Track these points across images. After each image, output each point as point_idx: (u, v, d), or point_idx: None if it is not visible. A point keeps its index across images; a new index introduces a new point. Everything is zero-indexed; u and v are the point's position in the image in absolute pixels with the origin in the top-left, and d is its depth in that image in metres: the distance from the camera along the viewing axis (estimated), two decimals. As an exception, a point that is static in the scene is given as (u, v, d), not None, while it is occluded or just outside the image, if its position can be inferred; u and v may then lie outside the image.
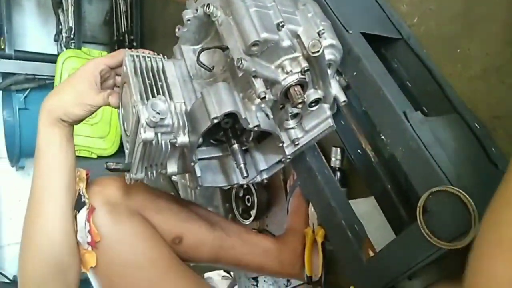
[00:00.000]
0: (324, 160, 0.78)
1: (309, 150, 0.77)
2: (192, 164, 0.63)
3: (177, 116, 0.59)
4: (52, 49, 1.78)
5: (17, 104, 1.58)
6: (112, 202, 0.74)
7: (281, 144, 0.68)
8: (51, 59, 1.62)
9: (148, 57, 0.63)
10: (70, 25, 1.68)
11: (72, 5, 1.66)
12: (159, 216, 0.80)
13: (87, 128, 1.64)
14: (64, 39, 1.75)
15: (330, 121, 0.69)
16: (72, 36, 1.68)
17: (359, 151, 0.90)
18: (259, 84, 0.56)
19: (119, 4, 1.82)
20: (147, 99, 0.58)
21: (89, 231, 0.69)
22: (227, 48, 0.58)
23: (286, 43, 0.57)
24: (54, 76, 1.58)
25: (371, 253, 0.73)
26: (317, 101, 0.66)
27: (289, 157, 0.72)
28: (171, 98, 0.61)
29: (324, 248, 0.97)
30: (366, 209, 0.88)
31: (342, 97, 0.67)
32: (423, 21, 0.81)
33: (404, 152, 0.60)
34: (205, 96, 0.56)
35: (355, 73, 0.66)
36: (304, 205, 1.04)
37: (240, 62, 0.53)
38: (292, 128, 0.70)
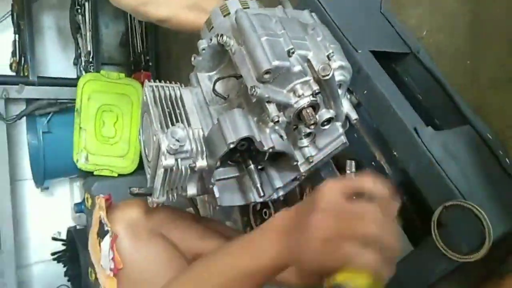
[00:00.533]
0: (339, 175, 0.80)
1: (324, 166, 0.78)
2: (211, 186, 0.66)
3: (196, 142, 0.62)
4: (72, 73, 1.85)
5: (41, 128, 1.64)
6: (134, 225, 0.77)
7: (295, 163, 0.70)
8: (71, 83, 1.68)
9: (166, 86, 0.67)
10: (89, 49, 1.75)
11: (90, 30, 1.73)
12: (180, 235, 0.83)
13: (107, 148, 1.69)
14: (83, 63, 1.81)
15: (343, 138, 0.71)
16: (90, 59, 1.75)
17: (373, 163, 0.92)
18: (272, 109, 0.59)
19: (135, 26, 1.88)
20: (167, 127, 0.61)
21: (112, 258, 0.72)
22: (241, 76, 0.60)
23: (297, 68, 0.59)
24: (74, 99, 1.64)
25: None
26: (329, 120, 0.68)
27: (304, 174, 0.74)
28: (189, 124, 0.64)
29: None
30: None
31: (353, 115, 0.69)
32: (432, 34, 0.83)
33: (416, 168, 0.62)
34: (221, 123, 0.59)
35: (365, 91, 0.68)
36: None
37: (253, 90, 0.56)
38: (306, 146, 0.72)
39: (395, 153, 0.65)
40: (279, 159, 0.76)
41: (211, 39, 0.65)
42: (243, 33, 0.59)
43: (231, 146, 0.58)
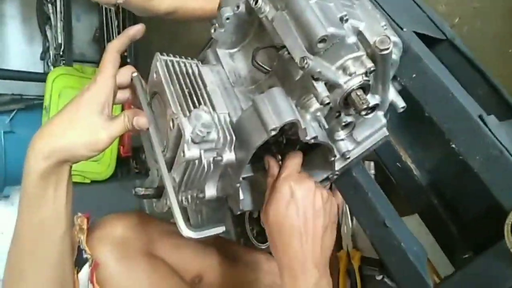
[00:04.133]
0: (371, 174, 0.70)
1: (355, 164, 0.68)
2: (238, 185, 0.54)
3: (223, 129, 0.50)
4: (38, 67, 1.66)
5: (2, 127, 1.44)
6: (121, 246, 0.64)
7: (333, 159, 0.60)
8: (39, 77, 1.50)
9: (182, 61, 0.54)
10: (59, 41, 1.57)
11: (61, 20, 1.55)
12: (176, 254, 0.71)
13: (79, 151, 1.51)
14: (51, 57, 1.63)
15: (386, 130, 0.61)
16: (61, 53, 1.57)
17: (398, 164, 0.83)
18: (321, 88, 0.48)
19: (111, 18, 1.72)
20: (189, 110, 0.48)
21: None
22: (281, 48, 0.49)
23: (351, 39, 0.49)
24: (42, 96, 1.46)
25: (436, 278, 0.65)
26: (373, 108, 0.58)
27: (337, 173, 0.64)
28: (213, 108, 0.51)
29: (361, 273, 0.88)
30: (410, 228, 0.80)
31: (401, 103, 0.59)
32: (466, 21, 0.76)
33: (483, 161, 0.53)
34: (259, 104, 0.48)
35: (414, 75, 0.58)
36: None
37: (304, 61, 0.45)
38: (342, 139, 0.62)
39: (453, 145, 0.55)
40: (308, 154, 0.65)
41: (237, 6, 0.54)
42: (286, -5, 0.48)
43: (273, 133, 0.47)
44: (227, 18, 0.55)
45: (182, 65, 0.54)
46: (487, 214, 0.63)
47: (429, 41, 0.73)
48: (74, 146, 0.53)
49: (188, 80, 0.52)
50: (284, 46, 0.48)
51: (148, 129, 0.53)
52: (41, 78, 1.49)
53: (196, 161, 0.48)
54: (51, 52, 1.63)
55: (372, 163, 0.90)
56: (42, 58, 1.68)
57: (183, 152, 0.46)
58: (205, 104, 0.51)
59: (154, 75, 0.53)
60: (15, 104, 1.43)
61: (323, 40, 0.45)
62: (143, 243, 0.68)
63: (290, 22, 0.47)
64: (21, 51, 1.69)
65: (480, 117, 0.53)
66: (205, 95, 0.52)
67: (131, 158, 1.68)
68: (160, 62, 0.52)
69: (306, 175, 0.58)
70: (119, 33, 1.71)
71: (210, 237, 0.51)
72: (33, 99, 1.48)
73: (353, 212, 0.69)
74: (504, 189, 0.51)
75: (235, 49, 0.60)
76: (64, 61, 1.55)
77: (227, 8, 0.55)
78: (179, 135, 0.48)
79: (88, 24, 1.86)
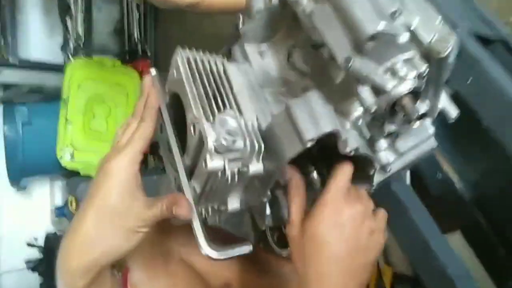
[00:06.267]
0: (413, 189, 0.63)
1: (394, 177, 0.61)
2: (265, 200, 0.48)
3: (250, 136, 0.44)
4: (58, 58, 1.63)
5: (20, 118, 1.42)
6: (144, 250, 0.58)
7: (372, 172, 0.53)
8: (58, 68, 1.47)
9: (206, 58, 0.48)
10: (79, 33, 1.54)
11: (82, 11, 1.52)
12: (206, 260, 0.65)
13: (97, 144, 1.48)
14: (72, 49, 1.60)
15: (434, 141, 0.54)
16: (81, 44, 1.54)
17: (439, 175, 0.75)
18: (366, 93, 0.41)
19: (131, 9, 1.68)
20: (213, 114, 0.43)
21: None
22: (319, 46, 0.43)
23: (403, 37, 0.42)
24: (61, 87, 1.43)
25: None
26: (422, 116, 0.50)
27: (375, 187, 0.57)
28: (240, 112, 0.45)
29: (392, 291, 0.81)
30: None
31: (453, 111, 0.51)
32: (524, 18, 0.67)
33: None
34: (294, 111, 0.41)
35: (470, 79, 0.51)
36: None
37: (349, 62, 0.38)
38: (383, 150, 0.55)
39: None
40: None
41: (270, -3, 0.47)
42: (329, -15, 0.41)
43: (309, 144, 0.40)
44: (258, 11, 0.48)
45: (206, 62, 0.48)
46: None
47: (480, 41, 0.65)
48: (111, 250, 0.46)
49: (212, 80, 0.46)
50: (322, 44, 0.41)
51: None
52: (61, 69, 1.46)
53: (219, 172, 0.43)
54: (72, 43, 1.59)
55: (408, 172, 0.82)
56: (62, 49, 1.65)
57: (205, 162, 0.40)
58: (231, 107, 0.45)
59: (174, 73, 0.48)
60: (33, 95, 1.41)
61: (373, 37, 0.38)
62: (168, 247, 0.64)
63: (333, 16, 0.41)
64: (42, 41, 1.66)
65: (550, 130, 0.46)
66: (231, 97, 0.46)
67: (149, 153, 1.64)
68: (182, 58, 0.46)
69: (357, 194, 0.52)
70: (140, 25, 1.67)
71: (234, 257, 0.45)
72: (52, 90, 1.45)
73: (392, 231, 0.62)
74: None
75: (265, 45, 0.53)
76: (83, 53, 1.52)
77: (258, 0, 0.48)
78: (201, 143, 0.42)
79: (108, 15, 1.82)
